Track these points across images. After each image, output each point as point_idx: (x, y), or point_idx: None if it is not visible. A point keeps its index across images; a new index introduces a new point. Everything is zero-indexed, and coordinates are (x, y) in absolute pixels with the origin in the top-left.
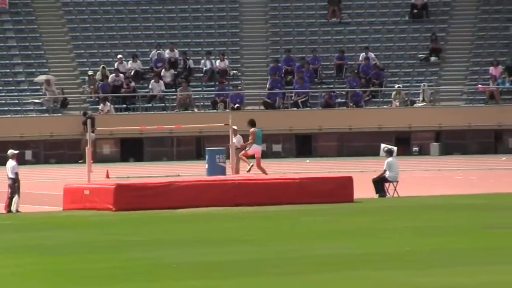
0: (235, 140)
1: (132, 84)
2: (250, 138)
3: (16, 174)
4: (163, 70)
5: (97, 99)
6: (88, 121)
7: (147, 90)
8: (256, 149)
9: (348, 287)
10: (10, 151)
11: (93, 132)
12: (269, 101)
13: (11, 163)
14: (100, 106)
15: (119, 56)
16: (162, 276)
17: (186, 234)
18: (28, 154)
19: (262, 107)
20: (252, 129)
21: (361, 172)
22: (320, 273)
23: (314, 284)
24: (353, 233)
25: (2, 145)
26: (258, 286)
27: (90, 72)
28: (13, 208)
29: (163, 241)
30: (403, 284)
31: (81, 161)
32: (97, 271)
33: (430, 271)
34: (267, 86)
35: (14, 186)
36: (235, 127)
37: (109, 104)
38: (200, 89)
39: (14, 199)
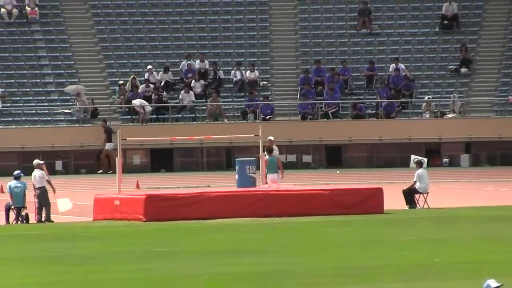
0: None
1: (164, 94)
2: (263, 167)
3: (48, 181)
4: (193, 80)
5: (127, 109)
6: (118, 131)
7: (177, 100)
8: (271, 178)
9: None
10: (36, 161)
11: (110, 141)
12: (309, 111)
13: (38, 172)
14: (138, 104)
15: (149, 66)
16: (193, 287)
17: (216, 245)
18: (58, 164)
19: (292, 118)
20: (266, 158)
21: (391, 183)
22: (348, 284)
23: None
24: (383, 244)
25: (33, 155)
26: None
27: (120, 82)
28: (44, 217)
29: (194, 251)
30: None
31: (100, 171)
32: (127, 281)
33: (459, 283)
34: (298, 96)
35: (44, 195)
36: (271, 138)
37: (149, 108)
38: (230, 99)
39: (49, 208)
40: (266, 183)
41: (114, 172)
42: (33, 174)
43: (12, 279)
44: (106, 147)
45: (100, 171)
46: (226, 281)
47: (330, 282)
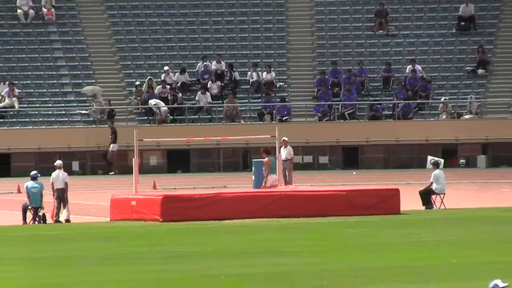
0: (285, 151)
1: (180, 95)
2: (265, 169)
3: (67, 184)
4: (210, 81)
5: (143, 110)
6: (135, 132)
7: (194, 101)
8: (272, 180)
9: None
10: (59, 162)
11: (115, 143)
12: (319, 114)
13: (62, 173)
14: (153, 104)
15: (166, 68)
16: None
17: (233, 246)
18: (75, 165)
19: (308, 119)
20: (266, 159)
21: (408, 184)
22: (363, 285)
23: None
24: (399, 245)
25: (50, 156)
26: None
27: (137, 83)
28: (63, 218)
29: (210, 252)
30: None
31: (112, 173)
32: (143, 282)
33: (475, 284)
34: (315, 96)
35: (64, 196)
36: (285, 138)
37: (165, 108)
38: (246, 101)
39: (65, 208)
40: (266, 183)
41: (116, 173)
42: (56, 174)
43: (30, 279)
44: (111, 149)
45: (112, 172)
46: (242, 282)
47: (346, 283)
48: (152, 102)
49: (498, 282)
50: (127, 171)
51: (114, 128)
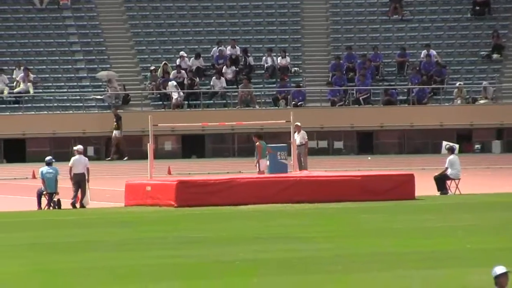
0: (299, 136)
1: (197, 80)
2: (258, 153)
3: (88, 169)
4: (225, 66)
5: (158, 95)
6: (150, 117)
7: (209, 86)
8: (264, 164)
9: (403, 285)
10: (80, 147)
11: (119, 128)
12: (335, 99)
13: (84, 158)
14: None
15: (182, 53)
16: (225, 273)
17: (247, 231)
18: (90, 150)
19: (323, 104)
20: (258, 143)
21: (422, 170)
22: (378, 271)
23: (370, 282)
24: (414, 230)
25: (65, 141)
26: (316, 283)
27: (152, 67)
28: (84, 201)
29: (225, 238)
30: (460, 283)
31: (109, 158)
32: (158, 267)
33: (489, 270)
34: (330, 81)
35: (84, 181)
36: (298, 123)
37: (181, 94)
38: (261, 86)
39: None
40: (259, 169)
41: (119, 159)
42: (77, 159)
43: (45, 265)
44: (115, 134)
45: (114, 156)
46: (257, 268)
47: (360, 268)
48: (172, 83)
49: (498, 268)
50: (142, 156)
51: (119, 114)
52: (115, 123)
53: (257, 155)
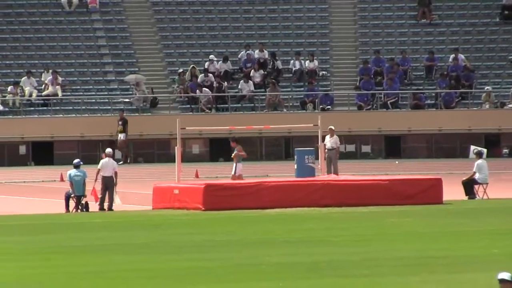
0: (332, 140)
1: (225, 84)
2: (238, 156)
3: (116, 172)
4: (253, 70)
5: (186, 98)
6: (178, 120)
7: (237, 90)
8: (240, 168)
9: None
10: (109, 150)
11: (124, 132)
12: (362, 104)
13: (111, 161)
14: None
15: (211, 56)
16: (251, 277)
17: (274, 235)
18: (118, 153)
19: (351, 108)
20: (239, 147)
21: (450, 174)
22: (405, 275)
23: (397, 286)
24: (441, 235)
25: (93, 144)
26: (343, 287)
27: (180, 70)
28: (114, 202)
29: (252, 241)
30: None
31: (121, 162)
32: (185, 271)
33: None
34: (358, 86)
35: (112, 184)
36: (332, 127)
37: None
38: (289, 89)
39: (112, 196)
40: (235, 173)
41: (129, 162)
42: (105, 162)
43: (71, 267)
44: (120, 138)
45: (121, 162)
46: (283, 271)
47: (388, 272)
48: (205, 90)
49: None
50: (170, 159)
51: (125, 118)
52: (121, 127)
53: (238, 159)
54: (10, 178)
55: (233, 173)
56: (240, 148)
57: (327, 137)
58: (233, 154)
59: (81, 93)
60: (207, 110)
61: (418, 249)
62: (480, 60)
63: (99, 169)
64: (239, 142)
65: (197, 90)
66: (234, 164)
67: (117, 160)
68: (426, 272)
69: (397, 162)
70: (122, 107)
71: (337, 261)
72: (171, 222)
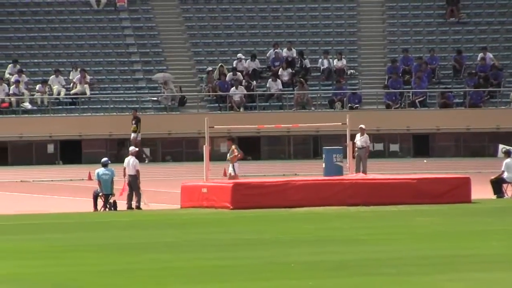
0: (362, 139)
1: (253, 83)
2: (235, 155)
3: (138, 171)
4: (281, 69)
5: (214, 97)
6: (206, 119)
7: (265, 89)
8: (237, 168)
9: None
10: (132, 148)
11: (138, 132)
12: (390, 103)
13: (132, 159)
14: (234, 91)
15: (239, 55)
16: (280, 275)
17: (302, 233)
18: (146, 152)
19: (379, 107)
20: (235, 146)
21: (478, 173)
22: (432, 274)
23: (424, 285)
24: (469, 234)
25: (121, 142)
26: (371, 286)
27: (209, 68)
28: (135, 204)
29: (280, 240)
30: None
31: (146, 161)
32: (212, 269)
33: None
34: (386, 85)
35: (136, 183)
36: (363, 126)
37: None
38: (317, 88)
39: (139, 195)
40: (235, 172)
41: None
42: (127, 160)
43: (100, 266)
44: (133, 137)
45: (146, 161)
46: (312, 270)
47: (415, 271)
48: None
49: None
50: (198, 158)
51: (138, 116)
52: (134, 125)
53: (233, 158)
54: (38, 177)
55: (233, 174)
56: (235, 147)
57: (357, 136)
58: (230, 156)
59: (109, 92)
60: (237, 109)
61: (445, 248)
62: (509, 58)
63: (124, 168)
64: (234, 141)
65: (233, 88)
66: (231, 164)
67: (143, 159)
68: (453, 271)
69: (425, 161)
70: (150, 105)
71: (365, 259)
72: (199, 220)
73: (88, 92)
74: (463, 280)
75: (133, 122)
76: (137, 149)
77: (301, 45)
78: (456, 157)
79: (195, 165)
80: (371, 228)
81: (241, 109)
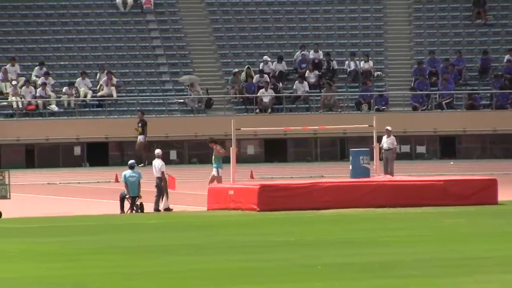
0: (389, 141)
1: (280, 85)
2: (219, 155)
3: (163, 173)
4: (307, 71)
5: (241, 99)
6: (232, 121)
7: (291, 91)
8: (221, 171)
9: None
10: (158, 151)
11: (143, 134)
12: (416, 105)
13: (158, 162)
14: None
15: (265, 57)
16: (306, 277)
17: (329, 235)
18: (173, 154)
19: (406, 109)
20: (217, 147)
21: (505, 174)
22: (458, 275)
23: (451, 287)
24: (496, 235)
25: (148, 145)
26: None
27: (235, 70)
28: (161, 207)
29: (307, 242)
30: None
31: (141, 165)
32: (239, 271)
33: None
34: (412, 87)
35: (161, 185)
36: (389, 128)
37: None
38: (344, 90)
39: (163, 198)
40: (218, 174)
41: (146, 164)
42: (153, 163)
43: (125, 268)
44: (139, 140)
45: (142, 164)
46: (339, 271)
47: (441, 273)
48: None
49: None
50: (225, 160)
51: (144, 119)
52: (140, 128)
53: (218, 161)
54: (65, 179)
55: (216, 175)
56: (219, 148)
57: (384, 138)
58: (215, 154)
59: (136, 94)
60: (265, 112)
61: (472, 249)
62: None
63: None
64: (217, 142)
65: (261, 90)
66: (216, 167)
67: (172, 162)
68: (479, 273)
69: (452, 163)
70: (177, 108)
71: (391, 261)
72: (226, 223)
73: (114, 94)
74: (489, 282)
75: (139, 124)
76: (160, 151)
77: (328, 47)
78: (482, 158)
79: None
80: (397, 230)
81: (269, 111)
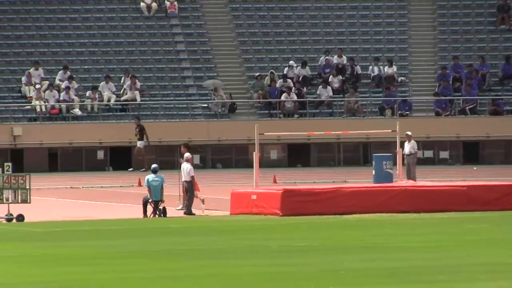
0: (409, 145)
1: (304, 89)
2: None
3: (193, 177)
4: (331, 76)
5: (264, 104)
6: (256, 126)
7: (315, 95)
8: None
9: None
10: (187, 154)
11: (142, 140)
12: (439, 110)
13: (187, 165)
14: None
15: (291, 62)
16: (329, 282)
17: (352, 240)
18: (196, 158)
19: (429, 114)
20: (188, 154)
21: None
22: (482, 281)
23: None
24: None
25: (171, 149)
26: None
27: (257, 74)
28: (188, 210)
29: (330, 246)
30: None
31: (143, 169)
32: (262, 276)
33: None
34: (436, 92)
35: (191, 189)
36: (409, 133)
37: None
38: (367, 95)
39: (191, 200)
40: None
41: (146, 170)
42: (182, 166)
43: (148, 272)
44: (138, 145)
45: (131, 168)
46: (362, 277)
47: (465, 278)
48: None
49: None
50: (248, 164)
51: (142, 125)
52: (138, 134)
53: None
54: (88, 183)
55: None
56: (188, 155)
57: (405, 143)
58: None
59: (159, 98)
60: (290, 116)
61: (495, 255)
62: None
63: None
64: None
65: (285, 94)
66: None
67: (195, 166)
68: (503, 279)
69: (475, 168)
70: (200, 112)
71: (415, 266)
72: (248, 227)
73: (138, 98)
74: None
75: (137, 130)
76: (189, 155)
77: (351, 52)
78: (506, 164)
79: (245, 171)
80: (421, 235)
81: (294, 116)
